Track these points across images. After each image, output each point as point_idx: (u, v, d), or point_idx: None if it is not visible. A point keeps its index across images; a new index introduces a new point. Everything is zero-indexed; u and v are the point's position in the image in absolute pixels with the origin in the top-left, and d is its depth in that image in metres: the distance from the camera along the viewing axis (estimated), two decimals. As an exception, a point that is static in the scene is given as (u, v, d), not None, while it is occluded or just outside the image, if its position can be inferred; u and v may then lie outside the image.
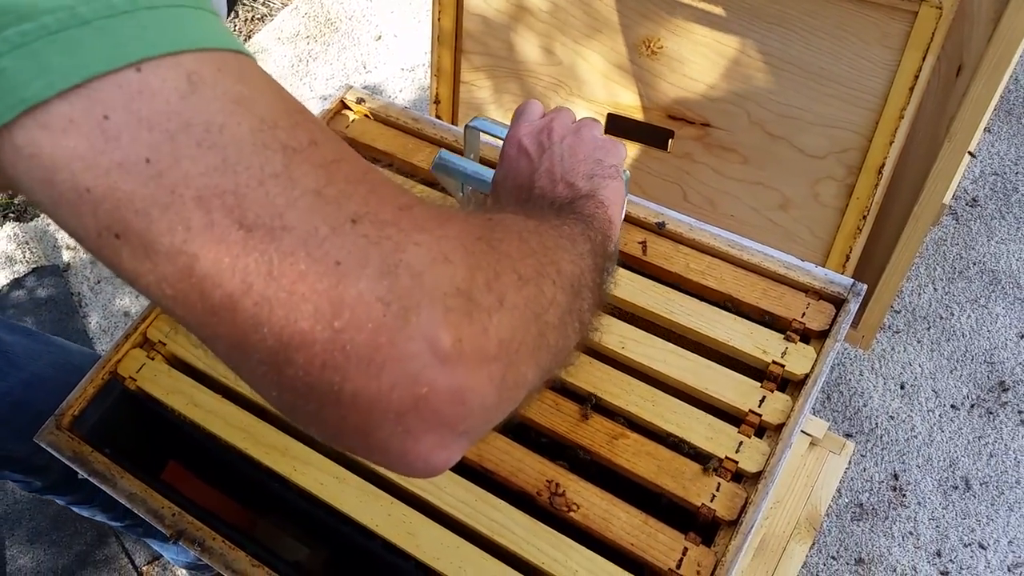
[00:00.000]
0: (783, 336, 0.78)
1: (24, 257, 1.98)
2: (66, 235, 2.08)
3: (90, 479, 0.76)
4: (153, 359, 0.84)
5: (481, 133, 0.78)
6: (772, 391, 0.76)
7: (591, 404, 0.78)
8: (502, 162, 0.69)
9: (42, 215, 2.04)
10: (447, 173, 0.77)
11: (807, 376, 0.77)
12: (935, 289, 1.71)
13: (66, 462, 0.78)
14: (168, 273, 0.33)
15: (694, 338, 0.81)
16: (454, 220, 0.39)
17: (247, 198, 0.33)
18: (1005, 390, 1.60)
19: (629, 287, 0.82)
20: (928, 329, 1.68)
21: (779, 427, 0.74)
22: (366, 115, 1.00)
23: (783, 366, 0.76)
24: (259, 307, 0.33)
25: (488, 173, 0.73)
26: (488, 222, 0.44)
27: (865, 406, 1.61)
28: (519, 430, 0.78)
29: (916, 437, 1.58)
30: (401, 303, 0.34)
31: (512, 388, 0.40)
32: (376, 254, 0.34)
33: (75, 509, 1.24)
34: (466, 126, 0.78)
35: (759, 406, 0.75)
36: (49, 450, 0.78)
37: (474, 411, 0.37)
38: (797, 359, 0.77)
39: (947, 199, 0.98)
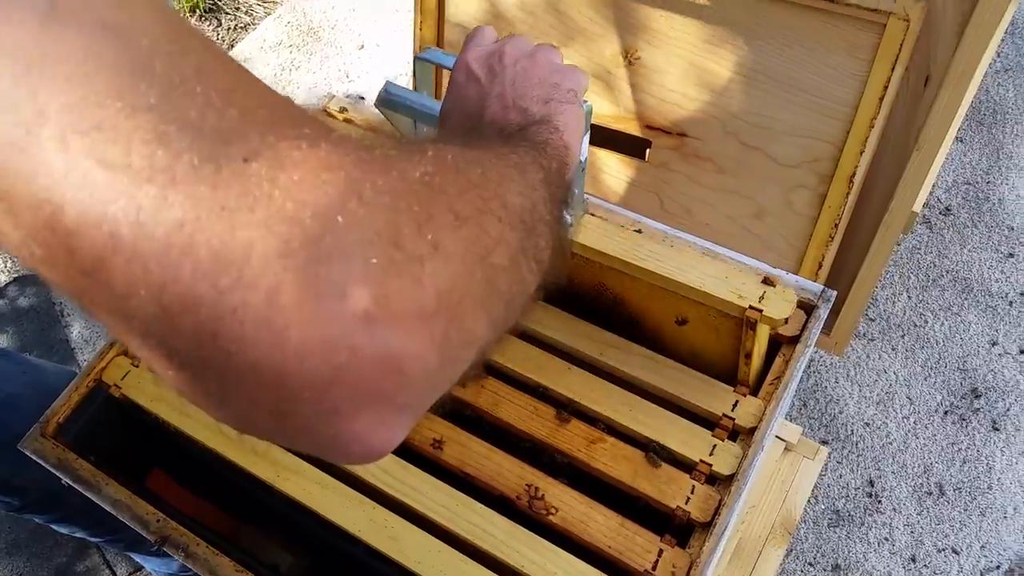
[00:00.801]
0: (761, 280, 0.74)
1: (5, 267, 1.97)
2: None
3: (75, 486, 0.77)
4: (138, 366, 0.84)
5: (433, 66, 0.72)
6: (745, 395, 0.78)
7: (569, 410, 0.79)
8: (450, 90, 0.64)
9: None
10: (394, 108, 0.70)
11: (794, 338, 0.78)
12: (909, 297, 1.74)
13: (51, 469, 0.78)
14: (33, 228, 0.29)
15: (663, 284, 0.76)
16: (374, 155, 0.34)
17: (114, 134, 0.28)
18: (977, 397, 1.63)
19: (595, 233, 0.78)
20: (903, 337, 1.71)
21: (752, 430, 0.76)
22: (349, 123, 1.01)
23: (761, 311, 0.72)
24: (131, 264, 0.28)
25: (440, 106, 0.67)
26: (417, 153, 0.38)
27: (841, 413, 1.64)
28: (499, 435, 0.80)
29: (891, 444, 1.60)
30: (306, 254, 0.29)
31: (459, 347, 0.35)
32: (273, 197, 0.29)
33: (54, 527, 1.24)
34: (416, 57, 0.72)
35: (732, 410, 0.77)
36: (33, 457, 0.79)
37: (414, 379, 0.32)
38: (777, 303, 0.73)
39: (917, 207, 1.01)
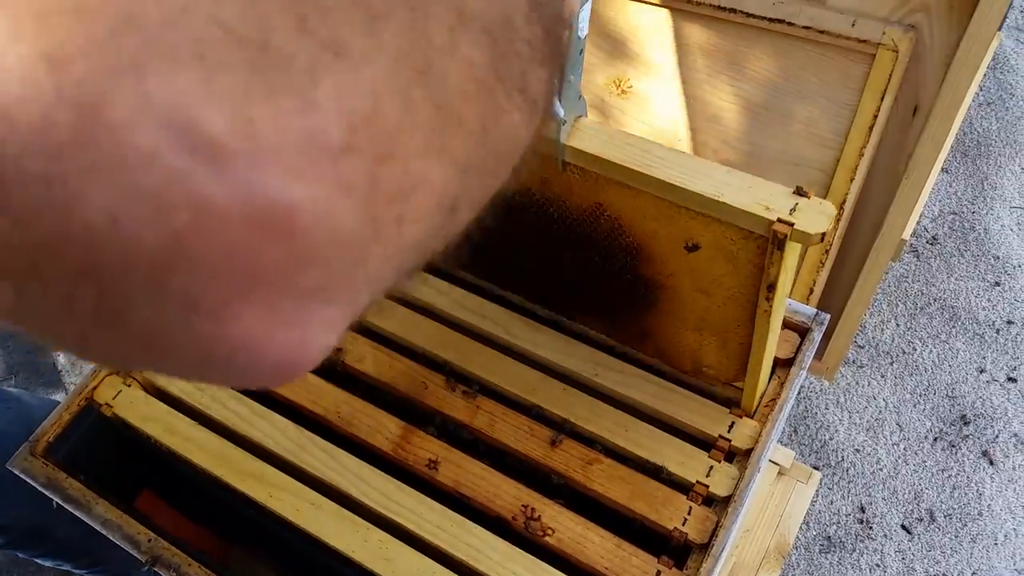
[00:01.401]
0: (793, 191, 0.59)
1: (-9, 290, 1.96)
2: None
3: (64, 505, 0.76)
4: (130, 386, 0.84)
5: None
6: (741, 416, 0.78)
7: (565, 430, 0.79)
8: None
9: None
10: None
11: (788, 360, 0.79)
12: (897, 325, 1.76)
13: (39, 488, 0.77)
14: None
15: (672, 197, 0.62)
16: None
17: None
18: (966, 423, 1.64)
19: (594, 137, 0.63)
20: (891, 364, 1.72)
21: (748, 452, 0.76)
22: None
23: (792, 224, 0.57)
24: None
25: None
26: None
27: (831, 439, 1.64)
28: (494, 456, 0.80)
29: (882, 470, 1.60)
30: (87, 66, 0.18)
31: (401, 198, 0.24)
32: None
33: (38, 561, 1.22)
34: None
35: (728, 431, 0.77)
36: (22, 476, 0.78)
37: (320, 243, 0.22)
38: (812, 215, 0.58)
39: (906, 235, 1.02)
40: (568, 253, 0.76)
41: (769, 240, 0.59)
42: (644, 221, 0.68)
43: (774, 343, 0.72)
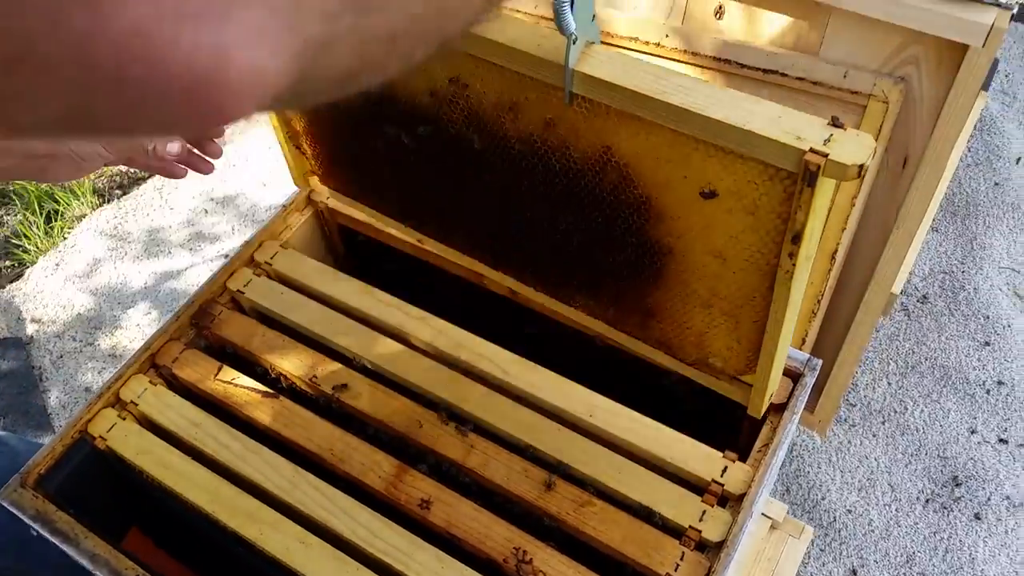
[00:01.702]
0: (827, 123, 0.52)
1: (-17, 332, 1.95)
2: (31, 307, 1.99)
3: (51, 539, 0.75)
4: (124, 419, 0.84)
5: None
6: (734, 460, 0.78)
7: (559, 472, 0.79)
8: None
9: (6, 288, 2.02)
10: None
11: (781, 406, 0.78)
12: (889, 383, 1.76)
13: (27, 521, 0.76)
14: None
15: (689, 130, 0.55)
16: None
17: None
18: (958, 485, 1.63)
19: (606, 64, 0.57)
20: (883, 423, 1.71)
21: (741, 497, 0.76)
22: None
23: (826, 156, 0.51)
24: None
25: None
26: None
27: (823, 499, 1.63)
28: (486, 495, 0.79)
29: (873, 531, 1.59)
30: None
31: None
32: None
33: None
34: None
35: (721, 476, 0.77)
36: (11, 509, 0.77)
37: None
38: (849, 146, 0.51)
39: (896, 289, 1.04)
40: (569, 215, 0.69)
41: (799, 177, 0.51)
42: (656, 166, 0.60)
43: (792, 323, 0.65)
